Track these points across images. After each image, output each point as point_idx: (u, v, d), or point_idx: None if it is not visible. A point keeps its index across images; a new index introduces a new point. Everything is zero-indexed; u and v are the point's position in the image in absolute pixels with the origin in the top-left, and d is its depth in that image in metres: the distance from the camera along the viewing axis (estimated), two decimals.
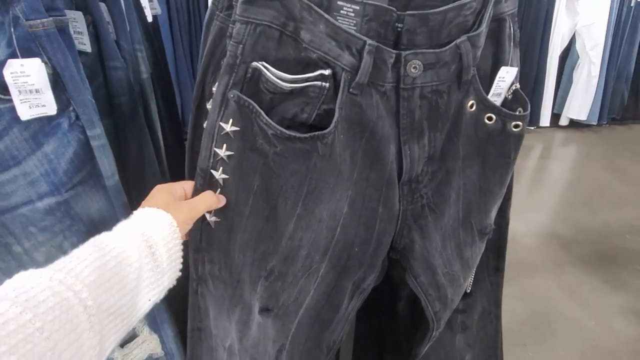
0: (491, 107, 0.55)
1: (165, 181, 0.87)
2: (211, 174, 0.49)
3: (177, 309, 0.70)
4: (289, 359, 0.58)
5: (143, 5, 0.93)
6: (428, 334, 0.68)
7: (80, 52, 0.66)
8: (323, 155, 0.47)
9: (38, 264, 0.57)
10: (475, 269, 0.69)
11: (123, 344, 0.70)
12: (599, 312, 1.75)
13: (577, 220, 2.37)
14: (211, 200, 0.49)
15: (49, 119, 0.51)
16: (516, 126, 0.56)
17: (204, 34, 0.59)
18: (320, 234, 0.52)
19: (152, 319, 0.69)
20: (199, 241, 0.53)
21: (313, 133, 0.46)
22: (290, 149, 0.46)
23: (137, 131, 0.81)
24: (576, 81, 3.24)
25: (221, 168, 0.48)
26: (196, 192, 0.51)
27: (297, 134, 0.45)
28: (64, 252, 0.57)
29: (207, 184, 0.50)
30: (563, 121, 3.43)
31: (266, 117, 0.45)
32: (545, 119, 3.32)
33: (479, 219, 0.61)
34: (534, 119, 3.28)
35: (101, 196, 0.57)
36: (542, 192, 2.67)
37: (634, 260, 2.06)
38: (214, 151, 0.48)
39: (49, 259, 0.57)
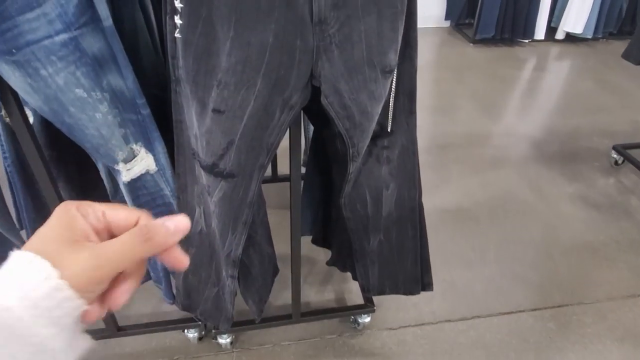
0: None
1: (155, 51, 1.07)
2: (173, 2, 0.71)
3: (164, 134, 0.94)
4: (238, 150, 0.83)
5: None
6: (348, 153, 0.91)
7: None
8: None
9: (58, 85, 0.81)
10: (386, 109, 0.92)
11: (126, 161, 0.96)
12: (551, 198, 1.98)
13: (551, 124, 2.54)
14: (140, 248, 0.32)
15: None
16: None
17: None
18: (251, 54, 0.74)
19: (146, 140, 0.94)
20: (175, 49, 0.76)
21: None
22: None
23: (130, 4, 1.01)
24: None
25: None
26: (167, 17, 0.72)
27: None
28: (77, 78, 0.80)
29: (171, 10, 0.72)
30: (559, 35, 3.48)
31: None
32: (540, 33, 3.38)
33: (379, 58, 0.82)
34: (528, 32, 3.35)
35: (101, 36, 0.79)
36: (526, 100, 2.82)
37: (594, 158, 2.25)
38: None
39: (66, 82, 0.81)
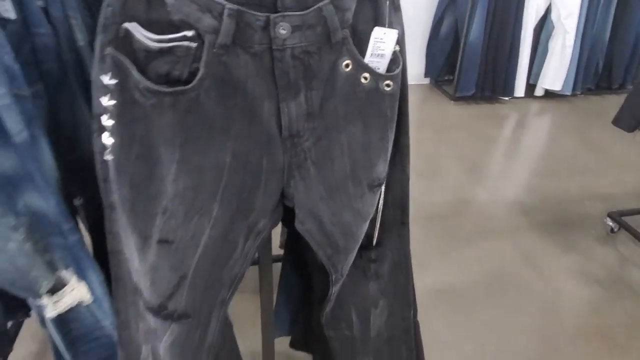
0: (364, 67, 0.60)
1: None
2: (100, 119, 0.54)
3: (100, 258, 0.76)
4: (192, 287, 0.65)
5: None
6: (330, 277, 0.74)
7: (5, 20, 0.70)
8: (189, 110, 0.52)
9: None
10: (372, 219, 0.76)
11: (53, 291, 0.76)
12: (548, 273, 1.84)
13: (540, 188, 2.44)
14: None
15: None
16: (387, 85, 0.61)
17: None
18: (204, 179, 0.57)
19: (77, 267, 0.75)
20: (106, 172, 0.59)
21: (176, 88, 0.51)
22: (160, 101, 0.51)
23: (69, 96, 0.85)
24: (551, 51, 3.26)
25: (108, 114, 0.54)
26: (95, 135, 0.57)
27: (163, 89, 0.51)
28: None
29: (99, 128, 0.55)
30: (538, 92, 3.47)
31: (137, 73, 0.50)
32: (520, 90, 3.36)
33: (365, 173, 0.67)
34: (508, 89, 3.32)
35: (11, 153, 0.62)
36: (511, 161, 2.73)
37: (589, 225, 2.14)
38: (99, 100, 0.53)
39: None
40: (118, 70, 0.51)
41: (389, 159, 0.70)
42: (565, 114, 3.34)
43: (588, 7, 3.14)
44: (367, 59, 0.60)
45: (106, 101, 0.53)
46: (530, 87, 3.44)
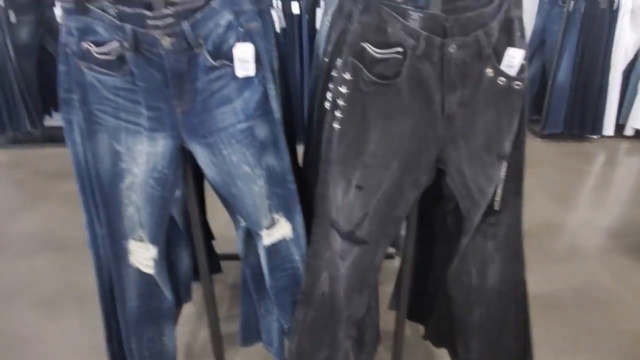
0: (501, 72, 0.92)
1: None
2: (336, 100, 0.90)
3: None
4: (371, 221, 0.98)
5: (274, 19, 1.38)
6: (464, 226, 1.03)
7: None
8: (394, 94, 0.87)
9: (232, 162, 1.01)
10: (498, 185, 1.05)
11: (268, 227, 1.12)
12: (638, 291, 1.95)
13: (629, 215, 2.55)
14: None
15: (249, 77, 0.94)
16: (517, 85, 0.92)
17: (328, 32, 1.01)
18: (392, 142, 0.91)
19: (286, 211, 1.10)
20: (331, 136, 0.93)
21: (389, 81, 0.86)
22: (377, 89, 0.87)
23: (284, 90, 1.23)
24: None
25: (341, 97, 0.90)
26: (329, 110, 0.92)
27: (379, 81, 0.86)
28: (246, 157, 1.00)
29: (333, 106, 0.91)
30: (628, 131, 3.55)
31: (365, 71, 0.86)
32: (609, 129, 3.47)
33: (496, 146, 0.97)
34: (597, 128, 3.44)
35: (268, 125, 1.00)
36: (599, 192, 2.85)
37: None
38: (338, 89, 0.89)
39: (238, 160, 1.01)
40: (354, 70, 0.87)
41: (512, 139, 1.00)
42: None
43: None
44: (503, 67, 0.92)
45: (344, 89, 0.89)
46: (620, 127, 3.54)
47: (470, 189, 0.98)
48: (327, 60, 0.99)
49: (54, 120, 3.30)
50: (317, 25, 2.73)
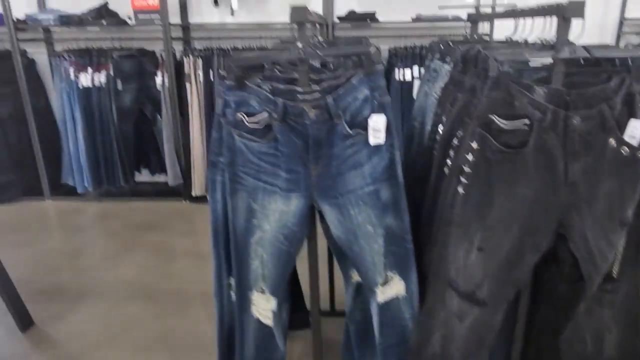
0: (625, 143, 0.96)
1: None
2: (462, 167, 0.97)
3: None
4: (491, 282, 1.01)
5: None
6: (585, 292, 1.04)
7: None
8: (520, 161, 0.93)
9: (358, 222, 1.08)
10: (618, 251, 1.05)
11: (382, 284, 1.17)
12: None
13: None
14: None
15: (379, 145, 1.03)
16: None
17: (436, 103, 1.10)
18: (515, 206, 0.96)
19: (401, 269, 1.15)
20: (454, 200, 1.00)
21: (515, 150, 0.92)
22: (503, 157, 0.93)
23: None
24: None
25: (468, 165, 0.96)
26: (454, 177, 0.99)
27: (508, 150, 0.92)
28: (370, 217, 1.08)
29: (457, 173, 0.98)
30: None
31: (493, 141, 0.93)
32: None
33: (619, 214, 0.99)
34: None
35: (393, 188, 1.08)
36: None
37: None
38: (465, 156, 0.96)
39: (363, 220, 1.08)
40: (481, 139, 0.95)
41: (634, 206, 1.02)
42: None
43: None
44: (626, 137, 0.96)
45: (470, 157, 0.96)
46: None
47: (594, 254, 1.00)
48: (439, 129, 1.07)
49: (142, 176, 3.57)
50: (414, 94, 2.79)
